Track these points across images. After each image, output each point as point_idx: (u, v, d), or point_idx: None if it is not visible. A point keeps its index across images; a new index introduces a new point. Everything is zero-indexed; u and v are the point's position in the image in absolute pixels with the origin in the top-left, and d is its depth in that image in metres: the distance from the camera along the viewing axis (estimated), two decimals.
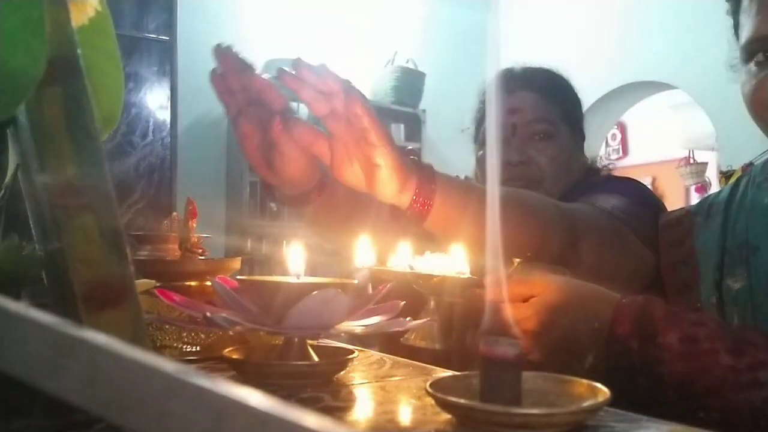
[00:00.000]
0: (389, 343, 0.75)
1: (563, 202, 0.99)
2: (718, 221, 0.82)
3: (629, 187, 0.99)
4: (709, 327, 0.59)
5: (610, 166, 1.14)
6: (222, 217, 3.35)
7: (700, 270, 0.81)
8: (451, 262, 0.65)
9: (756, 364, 0.56)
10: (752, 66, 0.74)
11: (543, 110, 1.01)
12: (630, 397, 0.59)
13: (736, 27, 0.77)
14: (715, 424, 0.57)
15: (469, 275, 0.63)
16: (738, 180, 0.86)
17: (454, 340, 0.66)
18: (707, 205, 0.88)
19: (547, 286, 0.64)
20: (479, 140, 1.06)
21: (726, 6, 0.80)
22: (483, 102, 1.08)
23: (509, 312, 0.62)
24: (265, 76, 0.72)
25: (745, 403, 0.56)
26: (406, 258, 0.68)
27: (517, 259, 0.66)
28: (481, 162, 1.04)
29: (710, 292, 0.79)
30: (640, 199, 0.96)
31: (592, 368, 0.63)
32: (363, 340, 0.88)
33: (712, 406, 0.57)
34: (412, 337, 0.69)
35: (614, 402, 0.48)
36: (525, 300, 0.64)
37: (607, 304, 0.63)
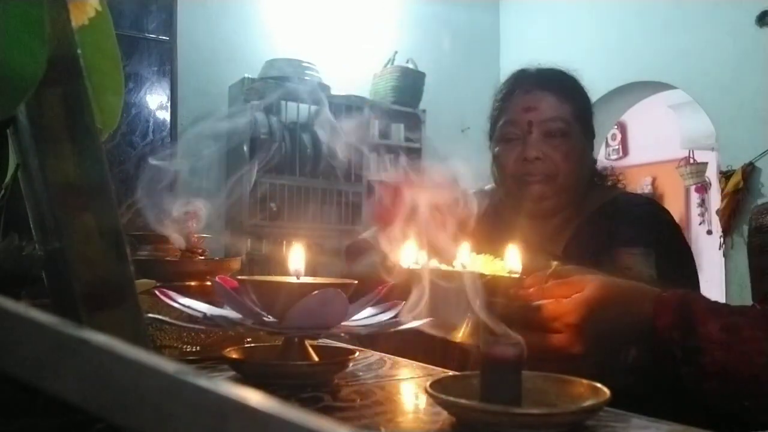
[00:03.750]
0: (428, 345, 0.76)
1: (590, 215, 1.07)
2: None
3: (656, 231, 1.03)
4: (749, 316, 0.59)
5: (616, 172, 1.20)
6: (222, 217, 3.35)
7: None
8: (496, 263, 0.66)
9: None
10: None
11: (558, 109, 1.06)
12: (674, 387, 0.59)
13: None
14: (760, 411, 0.57)
15: (519, 275, 0.64)
16: None
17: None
18: None
19: (588, 283, 0.64)
20: (495, 137, 1.11)
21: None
22: (499, 100, 1.12)
23: (550, 309, 0.62)
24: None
25: None
26: (462, 257, 0.67)
27: (555, 262, 0.67)
28: (497, 158, 1.09)
29: None
30: (673, 245, 1.02)
31: (635, 362, 0.63)
32: (362, 340, 0.89)
33: (757, 393, 0.57)
34: (460, 335, 0.69)
35: (643, 399, 0.47)
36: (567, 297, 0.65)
37: (647, 299, 0.64)
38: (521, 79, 1.10)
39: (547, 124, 1.05)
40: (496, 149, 1.09)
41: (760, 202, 2.91)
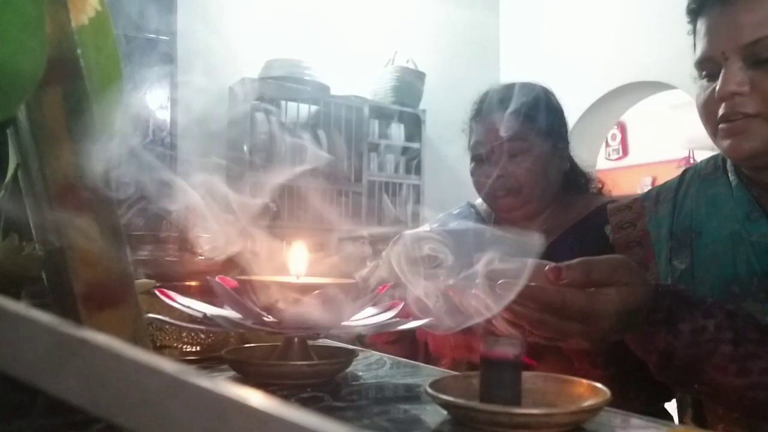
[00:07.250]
0: None
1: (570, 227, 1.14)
2: (668, 208, 0.91)
3: None
4: (717, 318, 0.66)
5: (599, 178, 1.28)
6: (222, 217, 3.35)
7: (654, 251, 0.90)
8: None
9: (749, 356, 0.64)
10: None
11: (516, 128, 1.11)
12: (643, 366, 0.70)
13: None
14: (706, 395, 0.71)
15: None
16: (684, 173, 0.96)
17: None
18: (655, 193, 0.97)
19: (620, 286, 0.65)
20: (470, 155, 1.21)
21: None
22: (469, 120, 1.23)
23: (580, 301, 0.63)
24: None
25: (733, 384, 0.64)
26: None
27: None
28: (471, 175, 1.20)
29: (666, 272, 0.86)
30: None
31: (612, 344, 0.68)
32: (362, 341, 0.89)
33: (707, 383, 0.66)
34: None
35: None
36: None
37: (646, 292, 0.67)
38: (485, 101, 1.19)
39: (506, 144, 1.13)
40: (471, 165, 1.20)
41: None
